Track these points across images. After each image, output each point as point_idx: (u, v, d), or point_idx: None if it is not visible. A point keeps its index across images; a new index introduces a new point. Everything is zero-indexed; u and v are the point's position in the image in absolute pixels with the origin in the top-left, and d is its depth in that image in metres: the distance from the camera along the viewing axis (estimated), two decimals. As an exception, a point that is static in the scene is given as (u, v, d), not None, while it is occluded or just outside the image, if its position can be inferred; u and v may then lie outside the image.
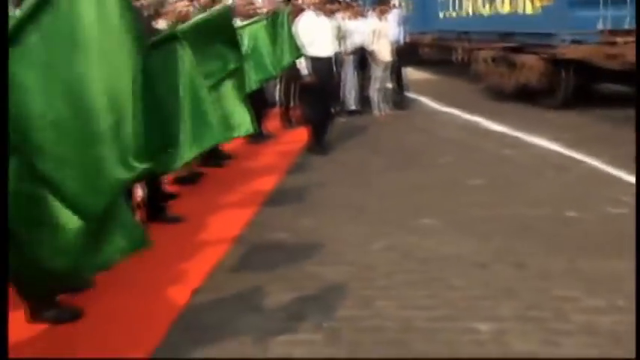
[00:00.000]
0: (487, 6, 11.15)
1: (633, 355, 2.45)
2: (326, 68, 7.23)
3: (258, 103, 7.71)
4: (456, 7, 12.89)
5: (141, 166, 2.07)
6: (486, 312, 3.17)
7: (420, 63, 15.14)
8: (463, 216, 4.78)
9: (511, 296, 3.33)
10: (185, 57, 3.31)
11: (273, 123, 8.84)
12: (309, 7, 7.30)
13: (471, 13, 12.05)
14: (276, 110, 9.34)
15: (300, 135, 8.08)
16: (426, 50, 15.40)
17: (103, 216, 2.20)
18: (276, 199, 5.52)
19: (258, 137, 7.81)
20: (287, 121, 9.00)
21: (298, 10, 7.75)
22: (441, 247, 4.16)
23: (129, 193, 4.46)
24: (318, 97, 7.23)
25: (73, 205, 2.09)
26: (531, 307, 3.19)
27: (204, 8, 6.39)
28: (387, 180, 6.02)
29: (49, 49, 1.99)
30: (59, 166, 2.07)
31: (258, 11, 9.61)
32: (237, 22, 8.56)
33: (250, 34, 6.30)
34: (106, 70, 2.02)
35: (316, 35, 7.12)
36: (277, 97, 9.26)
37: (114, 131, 2.04)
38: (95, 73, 2.01)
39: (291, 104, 9.13)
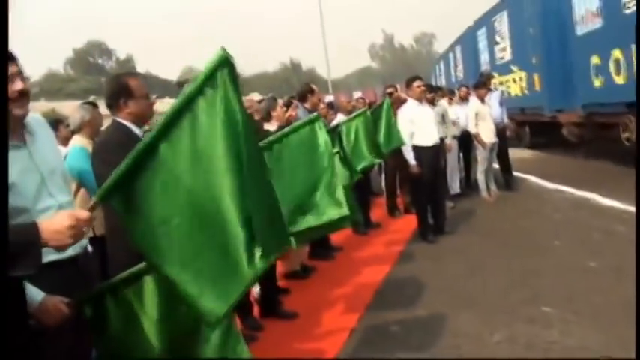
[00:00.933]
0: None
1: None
2: (431, 156, 7.25)
3: (363, 193, 7.91)
4: (625, 70, 9.30)
5: (264, 262, 2.20)
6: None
7: (562, 144, 13.45)
8: (583, 303, 4.54)
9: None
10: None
11: (379, 212, 8.93)
12: (410, 98, 7.42)
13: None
14: (382, 199, 9.45)
15: (407, 223, 8.09)
16: (572, 129, 12.49)
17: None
18: (387, 290, 5.49)
19: (364, 227, 7.95)
20: (393, 210, 9.03)
21: (400, 101, 7.95)
22: (565, 337, 3.96)
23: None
24: (424, 185, 7.23)
25: (197, 309, 2.17)
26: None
27: (311, 110, 6.70)
28: (500, 265, 5.85)
29: (178, 161, 2.15)
30: (176, 265, 2.15)
31: (358, 104, 10.02)
32: (340, 117, 8.92)
33: (353, 127, 6.49)
34: (231, 175, 2.17)
35: (420, 124, 7.21)
36: (382, 186, 9.39)
37: (242, 230, 2.17)
38: (222, 179, 2.17)
39: (397, 193, 9.22)
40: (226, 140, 2.18)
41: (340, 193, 4.12)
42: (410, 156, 7.18)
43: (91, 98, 10.23)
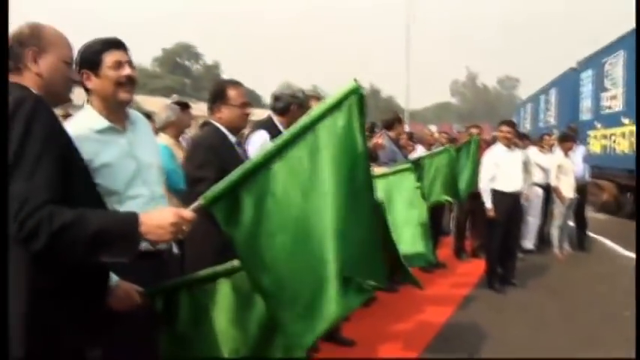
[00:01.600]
0: None
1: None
2: (511, 203, 7.06)
3: (432, 230, 7.78)
4: None
5: (358, 299, 2.18)
6: None
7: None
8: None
9: None
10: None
11: (445, 251, 8.78)
12: (499, 141, 7.28)
13: None
14: (449, 239, 9.30)
15: (474, 267, 7.93)
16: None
17: None
18: (447, 333, 5.38)
19: (430, 265, 7.81)
20: (460, 252, 8.87)
21: (487, 143, 7.83)
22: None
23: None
24: (498, 232, 7.06)
25: (285, 334, 2.17)
26: None
27: (395, 139, 6.69)
28: (565, 328, 5.63)
29: (290, 179, 2.18)
30: (274, 284, 2.16)
31: (440, 138, 9.95)
32: (420, 150, 8.88)
33: (434, 162, 6.43)
34: (338, 204, 2.18)
35: (504, 169, 7.06)
36: (452, 226, 9.25)
37: (340, 262, 2.15)
38: (329, 206, 2.17)
39: (466, 234, 9.05)
40: (341, 169, 2.19)
41: (419, 231, 4.10)
42: (487, 199, 7.04)
43: (173, 97, 10.53)
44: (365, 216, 2.32)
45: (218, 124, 3.49)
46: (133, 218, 1.96)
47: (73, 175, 1.97)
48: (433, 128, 22.69)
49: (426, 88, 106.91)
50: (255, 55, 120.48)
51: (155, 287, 2.43)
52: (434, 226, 7.93)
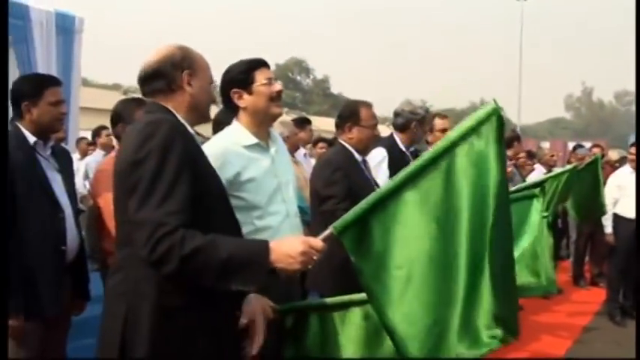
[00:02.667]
0: None
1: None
2: (633, 230, 6.61)
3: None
4: None
5: (491, 343, 2.08)
6: None
7: None
8: None
9: None
10: None
11: (562, 277, 8.39)
12: (628, 162, 6.89)
13: None
14: (566, 263, 8.90)
15: (593, 296, 7.56)
16: None
17: None
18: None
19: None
20: (579, 279, 8.43)
21: (610, 166, 7.44)
22: None
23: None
24: (620, 260, 6.67)
25: None
26: None
27: (512, 158, 6.50)
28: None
29: (423, 209, 2.11)
30: (404, 320, 2.08)
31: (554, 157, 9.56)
32: (540, 169, 8.53)
33: (554, 183, 6.15)
34: (473, 235, 2.10)
35: (627, 192, 6.64)
36: (572, 250, 8.83)
37: (468, 298, 2.08)
38: (462, 237, 2.11)
39: (585, 260, 8.61)
40: (478, 198, 2.11)
41: (542, 262, 3.90)
42: (608, 224, 6.68)
43: (285, 111, 10.79)
44: (502, 252, 2.18)
45: (346, 144, 3.53)
46: (263, 246, 1.95)
47: (208, 198, 2.02)
48: (545, 145, 21.78)
49: (538, 102, 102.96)
50: (363, 70, 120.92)
51: (288, 305, 2.45)
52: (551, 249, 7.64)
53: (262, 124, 2.72)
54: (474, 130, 2.12)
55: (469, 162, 2.11)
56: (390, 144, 4.35)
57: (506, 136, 6.70)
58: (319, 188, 3.43)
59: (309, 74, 76.28)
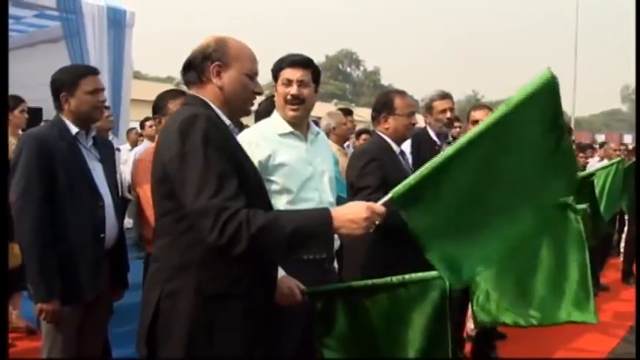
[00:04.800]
0: None
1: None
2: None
3: (599, 248, 7.22)
4: None
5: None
6: None
7: None
8: None
9: None
10: None
11: (610, 274, 8.16)
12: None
13: None
14: (616, 260, 8.64)
15: (643, 294, 7.27)
16: None
17: None
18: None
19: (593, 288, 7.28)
20: (628, 276, 8.15)
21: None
22: None
23: (458, 325, 4.50)
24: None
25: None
26: None
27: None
28: None
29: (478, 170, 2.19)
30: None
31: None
32: (595, 161, 8.25)
33: (603, 175, 5.94)
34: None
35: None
36: (621, 247, 8.56)
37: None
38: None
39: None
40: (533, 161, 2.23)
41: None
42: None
43: (334, 102, 10.84)
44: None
45: (383, 135, 3.52)
46: (325, 214, 1.99)
47: (246, 185, 2.03)
48: (601, 137, 21.14)
49: (594, 94, 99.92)
50: (414, 62, 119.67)
51: (316, 288, 2.50)
52: (600, 247, 7.41)
53: (300, 119, 2.83)
54: (529, 99, 2.12)
55: (527, 122, 2.16)
56: (422, 135, 4.41)
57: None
58: (353, 179, 3.43)
59: (359, 66, 76.10)
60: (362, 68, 75.93)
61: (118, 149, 6.43)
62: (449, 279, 2.22)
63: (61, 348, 2.85)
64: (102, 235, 2.93)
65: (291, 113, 2.76)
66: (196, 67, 2.16)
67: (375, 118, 3.58)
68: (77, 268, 2.82)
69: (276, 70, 2.80)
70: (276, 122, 2.82)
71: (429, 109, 4.41)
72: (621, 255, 8.53)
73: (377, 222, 2.02)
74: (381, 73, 75.45)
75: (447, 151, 2.16)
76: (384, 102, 3.54)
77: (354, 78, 74.34)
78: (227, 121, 2.17)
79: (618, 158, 6.29)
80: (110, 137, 7.32)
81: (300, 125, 2.83)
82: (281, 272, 2.40)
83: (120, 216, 3.14)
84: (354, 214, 1.98)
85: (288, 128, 2.77)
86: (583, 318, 2.92)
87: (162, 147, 2.05)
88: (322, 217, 1.98)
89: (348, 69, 75.47)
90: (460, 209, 2.21)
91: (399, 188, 2.12)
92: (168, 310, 2.00)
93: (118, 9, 9.82)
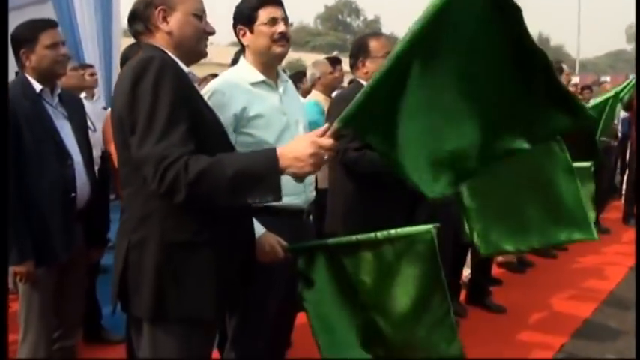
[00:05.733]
0: None
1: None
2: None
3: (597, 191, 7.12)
4: None
5: None
6: None
7: None
8: None
9: None
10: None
11: (611, 215, 8.10)
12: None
13: None
14: (617, 202, 8.57)
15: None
16: None
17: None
18: (607, 309, 4.94)
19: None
20: (629, 217, 8.07)
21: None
22: None
23: (455, 272, 4.48)
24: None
25: None
26: None
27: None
28: None
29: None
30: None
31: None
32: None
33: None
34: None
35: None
36: (623, 187, 8.47)
37: None
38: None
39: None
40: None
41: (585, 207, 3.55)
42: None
43: (334, 54, 10.63)
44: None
45: (362, 80, 3.40)
46: (270, 154, 1.87)
47: (204, 132, 1.96)
48: (606, 79, 20.78)
49: (598, 35, 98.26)
50: (415, 7, 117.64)
51: (299, 244, 2.45)
52: (599, 188, 7.31)
53: (267, 63, 2.65)
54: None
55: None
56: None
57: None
58: (325, 121, 3.34)
59: (359, 15, 75.03)
60: (362, 17, 74.94)
61: (105, 108, 6.28)
62: (428, 189, 2.09)
63: (39, 309, 2.81)
64: (72, 195, 2.84)
65: (279, 49, 2.61)
66: (141, 16, 2.08)
67: (353, 65, 3.48)
68: (49, 228, 2.75)
69: (252, 10, 2.58)
70: (247, 70, 2.66)
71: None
72: (623, 197, 8.46)
73: (325, 157, 1.90)
74: (381, 21, 74.49)
75: (388, 59, 1.95)
76: (359, 46, 3.43)
77: (355, 28, 73.30)
78: (185, 68, 2.09)
79: (613, 91, 6.16)
80: (99, 96, 7.24)
81: (271, 72, 2.68)
82: (261, 229, 2.34)
83: (92, 174, 3.05)
84: (298, 152, 1.85)
85: (260, 76, 2.63)
86: (584, 236, 3.00)
87: (116, 94, 2.00)
88: (267, 157, 1.87)
89: (348, 19, 74.42)
90: (420, 115, 2.00)
91: (343, 114, 1.95)
92: (135, 261, 1.96)
93: (105, -36, 9.53)
